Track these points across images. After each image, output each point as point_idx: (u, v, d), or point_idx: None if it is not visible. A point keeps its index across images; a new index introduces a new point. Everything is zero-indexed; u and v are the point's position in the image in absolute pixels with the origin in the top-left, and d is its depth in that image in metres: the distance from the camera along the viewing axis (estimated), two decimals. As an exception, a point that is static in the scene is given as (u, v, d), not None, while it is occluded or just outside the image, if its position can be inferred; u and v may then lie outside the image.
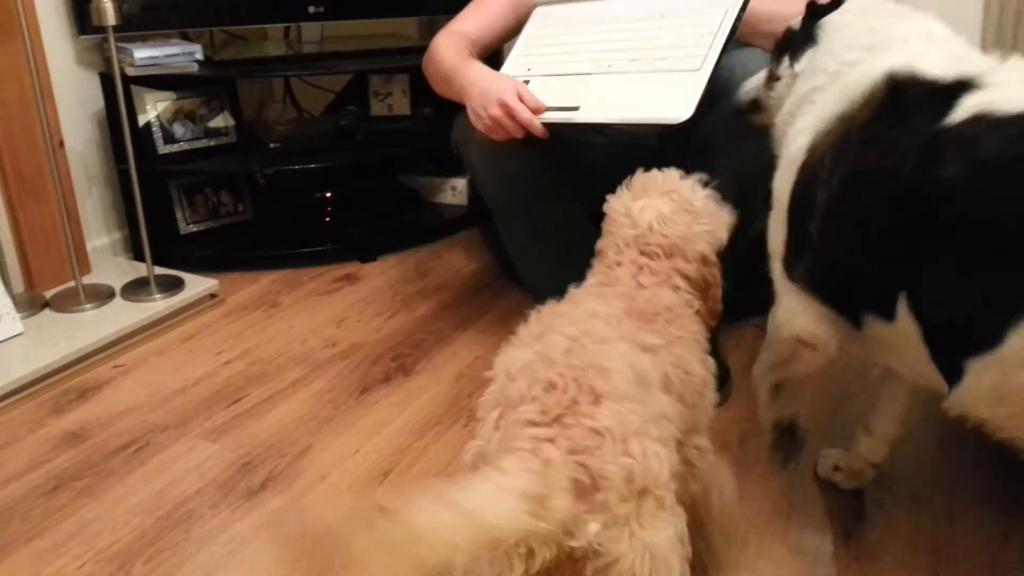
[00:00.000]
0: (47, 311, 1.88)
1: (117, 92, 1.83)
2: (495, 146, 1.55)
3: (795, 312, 1.06)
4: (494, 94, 1.36)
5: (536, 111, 1.35)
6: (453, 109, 1.60)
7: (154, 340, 1.84)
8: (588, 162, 1.61)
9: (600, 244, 1.01)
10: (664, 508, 0.70)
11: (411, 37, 2.58)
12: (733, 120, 1.33)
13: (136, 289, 1.96)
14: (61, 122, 1.98)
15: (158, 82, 2.18)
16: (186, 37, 2.28)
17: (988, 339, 0.81)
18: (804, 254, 1.03)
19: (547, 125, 1.37)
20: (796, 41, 1.12)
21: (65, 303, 1.89)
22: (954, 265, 0.84)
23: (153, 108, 2.19)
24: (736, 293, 1.11)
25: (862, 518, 1.23)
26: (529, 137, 1.39)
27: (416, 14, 2.51)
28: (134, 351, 1.79)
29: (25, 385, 1.63)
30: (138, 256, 2.17)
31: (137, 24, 2.09)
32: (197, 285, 2.00)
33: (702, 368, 0.89)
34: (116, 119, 1.95)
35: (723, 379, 1.46)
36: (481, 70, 1.47)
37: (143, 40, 2.15)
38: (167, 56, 2.15)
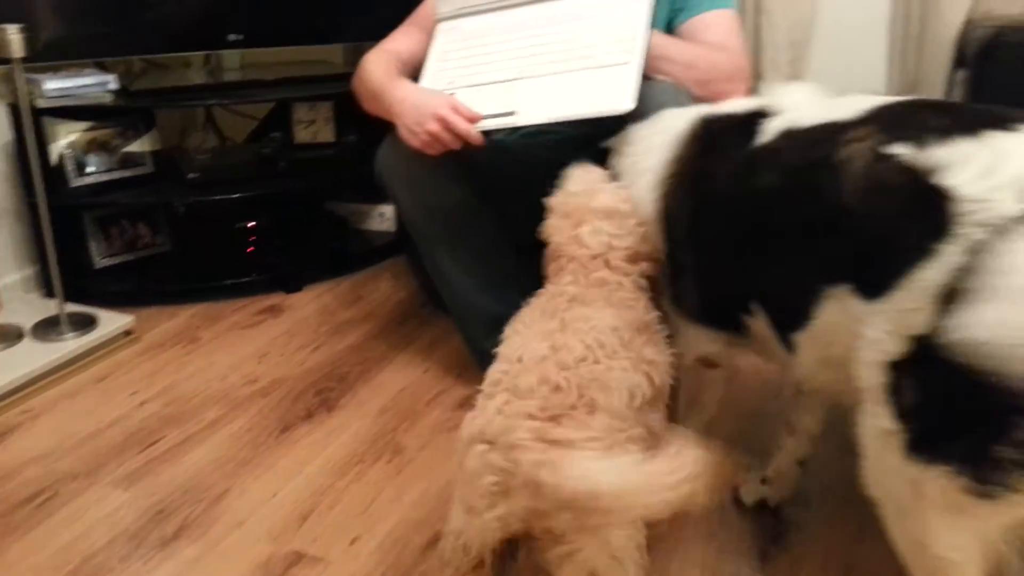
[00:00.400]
0: (-49, 354, 1.80)
1: (25, 124, 1.77)
2: (420, 177, 1.55)
3: (695, 340, 1.18)
4: (429, 109, 1.37)
5: (472, 121, 1.36)
6: (378, 136, 1.59)
7: (65, 382, 1.77)
8: (512, 177, 1.62)
9: (551, 268, 1.12)
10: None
11: (336, 64, 2.55)
12: None
13: (47, 328, 1.88)
14: (-32, 156, 1.91)
15: (73, 112, 2.12)
16: (103, 67, 2.22)
17: (804, 316, 0.94)
18: (683, 286, 1.14)
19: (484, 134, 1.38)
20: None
21: (-30, 346, 1.81)
22: (781, 257, 0.96)
23: (66, 139, 2.13)
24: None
25: (779, 540, 1.25)
26: (453, 168, 1.39)
27: (338, 41, 2.49)
28: (44, 394, 1.72)
29: (-76, 435, 1.55)
30: (50, 293, 2.09)
31: (49, 55, 2.03)
32: (111, 322, 1.93)
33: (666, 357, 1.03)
34: (25, 152, 1.89)
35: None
36: (410, 88, 1.48)
37: (55, 71, 2.09)
38: (79, 87, 2.10)
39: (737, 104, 1.12)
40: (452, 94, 1.43)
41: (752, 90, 1.47)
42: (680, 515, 1.24)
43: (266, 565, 1.22)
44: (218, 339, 1.96)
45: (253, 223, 2.39)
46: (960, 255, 0.72)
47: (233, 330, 2.01)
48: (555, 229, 1.13)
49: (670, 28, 1.57)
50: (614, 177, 1.22)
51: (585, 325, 0.94)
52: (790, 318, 0.98)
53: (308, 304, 2.16)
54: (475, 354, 1.65)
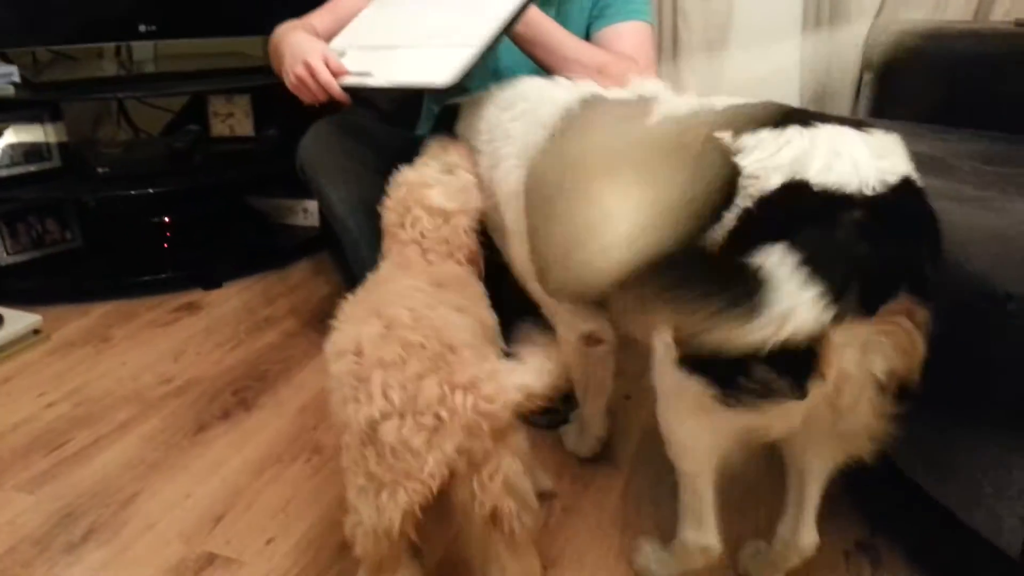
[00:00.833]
0: None
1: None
2: (347, 167, 1.54)
3: (574, 318, 1.27)
4: (301, 55, 1.41)
5: (337, 74, 1.39)
6: (299, 130, 1.57)
7: (-33, 384, 1.70)
8: None
9: (387, 243, 1.21)
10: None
11: (255, 56, 2.50)
12: None
13: (-54, 329, 1.80)
14: None
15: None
16: (6, 58, 2.12)
17: None
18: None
19: (348, 90, 1.41)
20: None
21: None
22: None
23: (-35, 133, 2.03)
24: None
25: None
26: (379, 160, 1.40)
27: (253, 33, 2.43)
28: (-57, 398, 1.65)
29: None
30: (-48, 292, 2.00)
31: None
32: (18, 321, 1.86)
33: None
34: (-82, 146, 1.80)
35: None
36: (303, 37, 1.50)
37: (-47, 61, 2.00)
38: (-22, 79, 2.01)
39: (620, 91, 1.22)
40: (343, 53, 1.46)
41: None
42: (593, 505, 1.26)
43: (178, 568, 1.20)
44: (132, 338, 1.91)
45: (168, 218, 2.33)
46: (734, 221, 0.87)
47: (147, 328, 1.96)
48: (388, 210, 1.23)
49: (587, 35, 1.60)
50: (467, 153, 1.31)
51: (392, 294, 1.03)
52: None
53: (228, 301, 2.11)
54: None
